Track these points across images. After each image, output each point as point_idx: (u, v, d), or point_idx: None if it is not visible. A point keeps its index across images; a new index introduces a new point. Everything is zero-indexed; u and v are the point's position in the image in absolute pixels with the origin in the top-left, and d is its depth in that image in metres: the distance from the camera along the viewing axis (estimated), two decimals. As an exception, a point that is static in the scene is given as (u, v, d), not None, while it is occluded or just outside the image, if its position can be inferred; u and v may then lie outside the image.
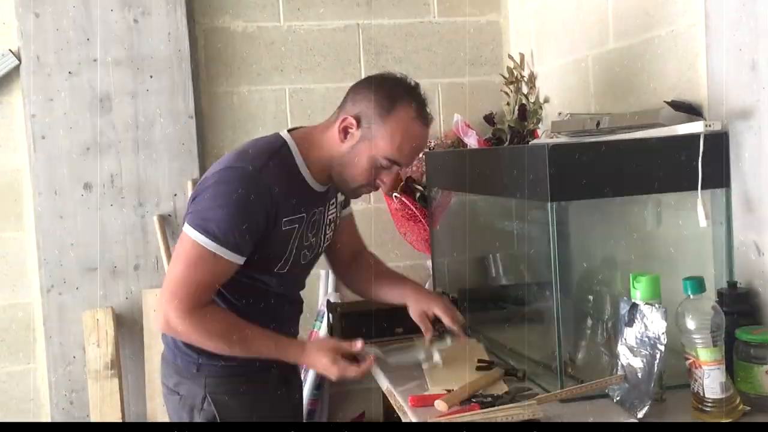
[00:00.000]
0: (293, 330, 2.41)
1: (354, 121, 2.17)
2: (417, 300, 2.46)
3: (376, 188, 2.28)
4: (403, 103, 2.17)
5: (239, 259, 2.10)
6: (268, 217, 2.11)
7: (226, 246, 2.06)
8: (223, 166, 2.13)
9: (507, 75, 3.48)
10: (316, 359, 2.15)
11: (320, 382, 3.39)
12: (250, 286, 2.20)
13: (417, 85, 2.24)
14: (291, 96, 3.57)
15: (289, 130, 2.28)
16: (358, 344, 2.16)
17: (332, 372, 2.13)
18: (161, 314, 2.10)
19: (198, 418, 2.23)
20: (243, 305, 2.20)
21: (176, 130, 3.37)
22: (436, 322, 2.43)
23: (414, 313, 2.45)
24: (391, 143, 2.15)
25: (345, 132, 2.19)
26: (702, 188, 2.06)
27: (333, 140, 2.21)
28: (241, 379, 2.23)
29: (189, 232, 2.08)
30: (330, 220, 2.38)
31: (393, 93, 2.19)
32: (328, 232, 2.39)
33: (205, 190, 2.11)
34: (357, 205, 3.49)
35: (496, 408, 1.96)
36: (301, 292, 2.43)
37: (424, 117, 2.20)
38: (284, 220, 2.16)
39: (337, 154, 2.20)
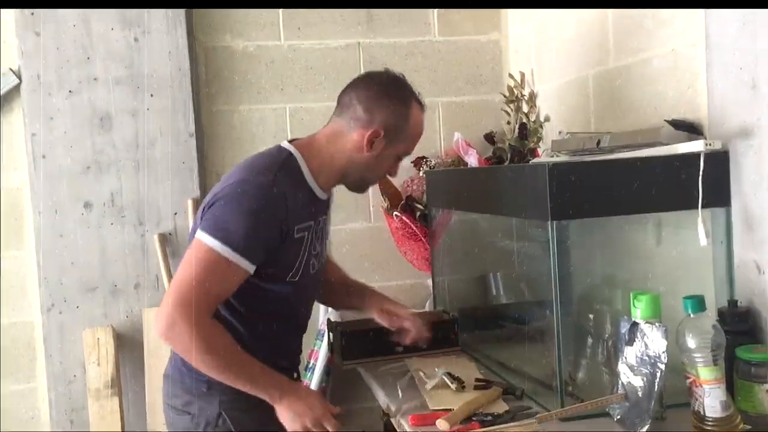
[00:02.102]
0: (294, 345, 2.43)
1: (381, 132, 2.23)
2: (376, 301, 2.60)
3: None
4: (410, 103, 2.30)
5: (251, 268, 2.10)
6: (282, 227, 2.13)
7: (242, 254, 2.06)
8: (236, 179, 2.14)
9: (507, 94, 3.49)
10: (288, 409, 2.13)
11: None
12: (263, 297, 2.20)
13: (403, 76, 2.35)
14: (291, 115, 3.57)
15: (289, 141, 2.31)
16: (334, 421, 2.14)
17: (294, 426, 2.12)
18: (165, 318, 2.02)
19: None
20: (255, 315, 2.21)
21: (177, 148, 3.37)
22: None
23: (374, 315, 2.58)
24: (411, 140, 2.33)
25: (371, 143, 2.24)
26: (702, 207, 2.06)
27: (352, 149, 2.26)
28: (255, 396, 2.21)
29: (204, 239, 2.06)
30: (329, 229, 2.43)
31: (402, 96, 2.30)
32: (326, 241, 2.42)
33: (219, 201, 2.11)
34: (357, 224, 3.51)
35: (496, 427, 1.95)
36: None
37: (423, 106, 2.36)
38: (296, 227, 2.18)
39: (360, 161, 2.27)
